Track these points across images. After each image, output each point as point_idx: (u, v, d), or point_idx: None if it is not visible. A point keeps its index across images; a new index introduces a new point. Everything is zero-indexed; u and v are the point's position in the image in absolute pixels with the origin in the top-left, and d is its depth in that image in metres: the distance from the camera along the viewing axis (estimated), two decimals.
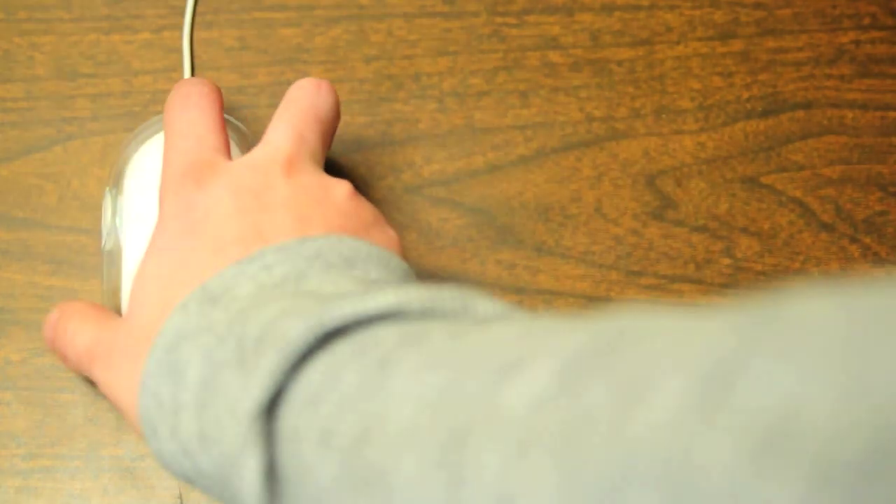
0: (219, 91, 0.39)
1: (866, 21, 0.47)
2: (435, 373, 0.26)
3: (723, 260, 0.43)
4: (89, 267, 0.43)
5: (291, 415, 0.28)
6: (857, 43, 0.46)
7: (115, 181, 0.42)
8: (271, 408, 0.28)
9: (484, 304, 0.29)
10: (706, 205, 0.44)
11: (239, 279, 0.32)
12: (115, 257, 0.41)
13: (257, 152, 0.36)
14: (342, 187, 0.36)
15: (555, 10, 0.47)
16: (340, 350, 0.28)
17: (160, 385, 0.31)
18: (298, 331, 0.28)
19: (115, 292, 0.41)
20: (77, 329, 0.37)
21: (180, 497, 0.40)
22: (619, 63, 0.46)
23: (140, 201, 0.41)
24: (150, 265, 0.34)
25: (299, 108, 0.38)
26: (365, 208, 0.36)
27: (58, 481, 0.41)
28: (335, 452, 0.26)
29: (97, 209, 0.44)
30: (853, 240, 0.43)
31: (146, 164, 0.42)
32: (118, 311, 0.40)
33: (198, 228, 0.34)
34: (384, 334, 0.28)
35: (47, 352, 0.42)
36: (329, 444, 0.26)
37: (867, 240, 0.43)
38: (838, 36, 0.46)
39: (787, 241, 0.44)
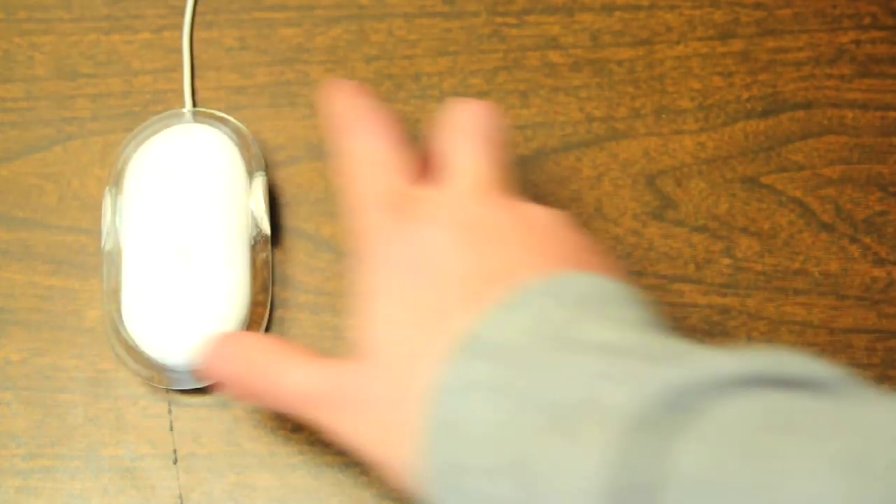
0: (387, 109, 0.37)
1: (866, 21, 0.47)
2: (834, 473, 0.22)
3: (723, 260, 0.43)
4: (89, 267, 0.43)
5: (672, 499, 0.24)
6: (857, 43, 0.46)
7: (115, 181, 0.42)
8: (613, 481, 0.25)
9: (826, 371, 0.26)
10: (706, 205, 0.44)
11: (504, 327, 0.30)
12: (115, 257, 0.41)
13: (457, 182, 0.34)
14: (559, 216, 0.34)
15: (555, 10, 0.47)
16: (695, 427, 0.25)
17: (437, 440, 0.29)
18: (632, 402, 0.25)
19: (115, 292, 0.41)
20: (284, 370, 0.34)
21: (180, 497, 0.40)
22: (619, 63, 0.46)
23: (140, 201, 0.42)
24: (379, 308, 0.32)
25: (480, 134, 0.35)
26: (584, 236, 0.34)
27: (58, 481, 0.41)
28: None
29: (97, 209, 0.44)
30: (853, 240, 0.43)
31: (146, 164, 0.42)
32: (118, 311, 0.40)
33: (419, 267, 0.32)
34: (741, 411, 0.25)
35: (47, 352, 0.42)
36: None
37: (867, 240, 0.43)
38: (838, 36, 0.46)
39: (787, 241, 0.44)
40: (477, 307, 0.30)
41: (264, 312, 0.41)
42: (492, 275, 0.31)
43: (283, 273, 0.43)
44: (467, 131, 0.35)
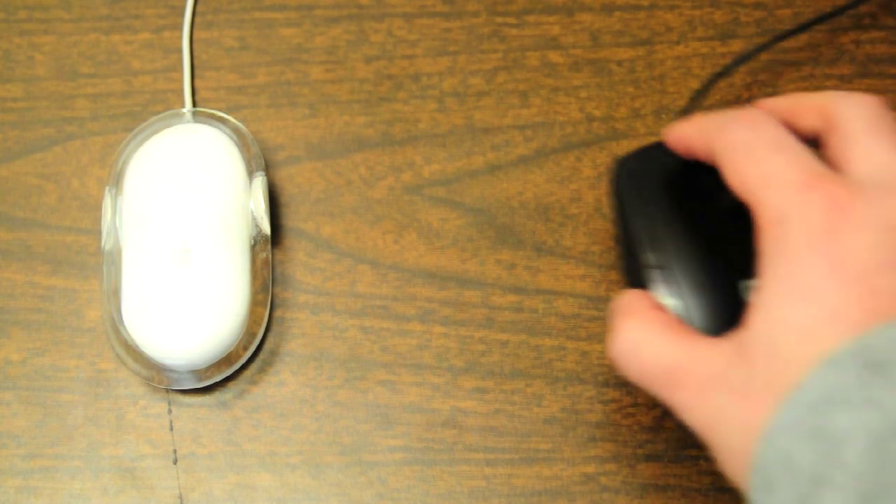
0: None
1: (866, 21, 0.47)
2: None
3: None
4: (89, 267, 0.43)
5: None
6: (857, 43, 0.46)
7: (115, 181, 0.42)
8: None
9: None
10: None
11: (892, 344, 0.27)
12: (115, 257, 0.41)
13: (882, 177, 0.30)
14: None
15: (555, 10, 0.47)
16: None
17: (797, 446, 0.27)
18: None
19: (115, 292, 0.41)
20: (643, 339, 0.32)
21: (180, 497, 0.40)
22: (619, 63, 0.46)
23: (140, 201, 0.42)
24: (788, 310, 0.29)
25: (893, 131, 0.32)
26: None
27: (58, 481, 0.41)
28: None
29: (97, 209, 0.44)
30: None
31: (146, 164, 0.42)
32: (118, 311, 0.40)
33: (847, 271, 0.29)
34: None
35: (47, 352, 0.42)
36: None
37: None
38: (838, 36, 0.46)
39: None
40: (876, 321, 0.28)
41: (264, 312, 0.42)
42: None
43: (283, 273, 0.43)
44: (874, 123, 0.32)
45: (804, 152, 0.31)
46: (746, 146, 0.32)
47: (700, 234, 0.35)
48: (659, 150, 0.37)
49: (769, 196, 0.30)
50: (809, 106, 0.33)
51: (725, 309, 0.34)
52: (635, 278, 0.36)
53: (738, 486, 0.30)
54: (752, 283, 0.32)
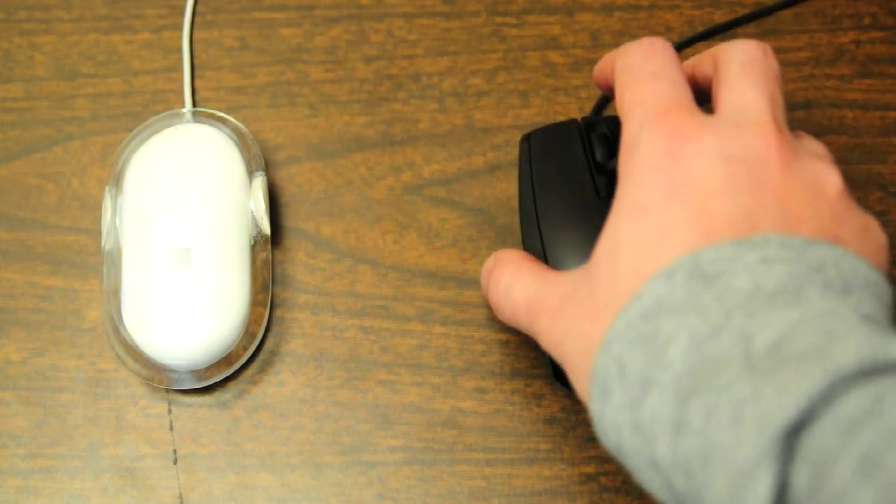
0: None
1: (866, 21, 0.47)
2: None
3: None
4: (89, 267, 0.43)
5: (822, 436, 0.25)
6: (858, 43, 0.46)
7: (115, 181, 0.42)
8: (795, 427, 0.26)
9: None
10: None
11: (734, 265, 0.29)
12: (115, 257, 0.41)
13: (738, 115, 0.32)
14: (834, 181, 0.31)
15: (555, 10, 0.47)
16: (882, 383, 0.26)
17: (628, 351, 0.29)
18: (849, 358, 0.26)
19: (115, 292, 0.41)
20: (513, 281, 0.35)
21: (180, 497, 0.40)
22: None
23: (140, 201, 0.42)
24: (627, 225, 0.31)
25: (762, 74, 0.33)
26: (855, 212, 0.32)
27: (58, 481, 0.41)
28: (876, 484, 0.24)
29: (97, 209, 0.44)
30: None
31: (146, 164, 0.42)
32: (118, 311, 0.41)
33: (681, 193, 0.30)
34: None
35: (47, 352, 0.42)
36: (868, 474, 0.24)
37: None
38: (838, 36, 0.46)
39: None
40: (709, 240, 0.30)
41: (264, 312, 0.42)
42: (744, 221, 0.30)
43: (283, 273, 0.43)
44: (746, 69, 0.33)
45: (679, 85, 0.33)
46: (632, 70, 0.34)
47: (582, 208, 0.39)
48: (564, 129, 0.41)
49: (629, 123, 0.33)
50: (707, 54, 0.36)
51: None
52: (529, 248, 0.39)
53: (586, 405, 0.31)
54: None
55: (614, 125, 0.41)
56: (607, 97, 0.45)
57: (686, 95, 0.33)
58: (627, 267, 0.30)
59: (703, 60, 0.36)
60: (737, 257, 0.29)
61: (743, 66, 0.34)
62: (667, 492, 0.28)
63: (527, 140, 0.41)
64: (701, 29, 0.47)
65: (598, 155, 0.39)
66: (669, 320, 0.29)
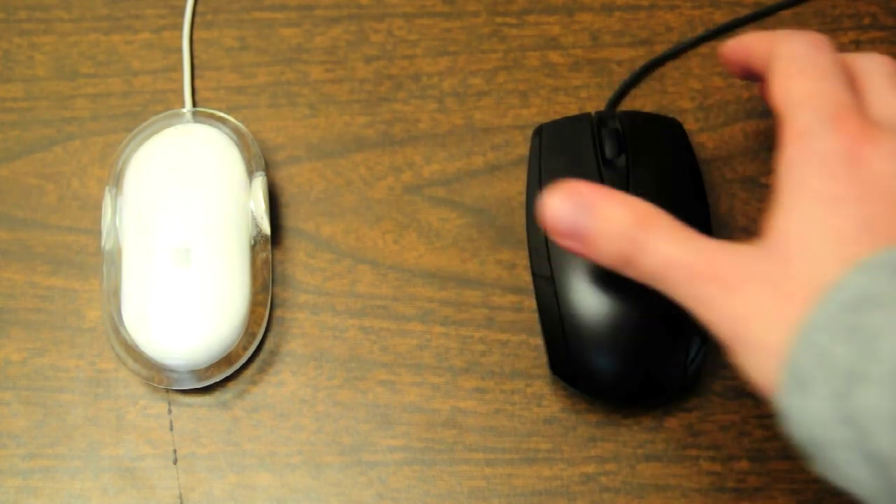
0: None
1: (866, 21, 0.47)
2: None
3: None
4: (89, 267, 0.43)
5: None
6: (858, 43, 0.46)
7: (115, 181, 0.43)
8: None
9: None
10: None
11: None
12: (115, 257, 0.41)
13: None
14: None
15: (555, 10, 0.47)
16: None
17: (832, 343, 0.28)
18: None
19: (115, 292, 0.41)
20: (665, 234, 0.33)
21: (180, 497, 0.40)
22: (619, 63, 0.46)
23: (140, 201, 0.42)
24: (803, 206, 0.31)
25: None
26: None
27: (58, 481, 0.41)
28: None
29: (97, 209, 0.44)
30: None
31: (146, 164, 0.42)
32: (118, 311, 0.40)
33: (874, 190, 0.31)
34: None
35: (47, 352, 0.42)
36: None
37: None
38: (838, 36, 0.46)
39: None
40: None
41: (264, 312, 0.42)
42: None
43: (283, 273, 0.43)
44: (893, 79, 0.35)
45: (847, 88, 0.33)
46: (803, 60, 0.34)
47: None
48: (575, 122, 0.41)
49: (802, 113, 0.33)
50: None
51: (593, 269, 0.38)
52: (532, 241, 0.40)
53: (760, 388, 0.30)
54: None
55: (627, 120, 0.41)
56: (622, 92, 0.45)
57: (855, 101, 0.33)
58: (825, 253, 0.30)
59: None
60: None
61: (890, 78, 0.35)
62: (881, 483, 0.28)
63: (538, 133, 0.41)
64: (701, 29, 0.47)
65: (608, 150, 0.39)
66: (877, 314, 0.28)
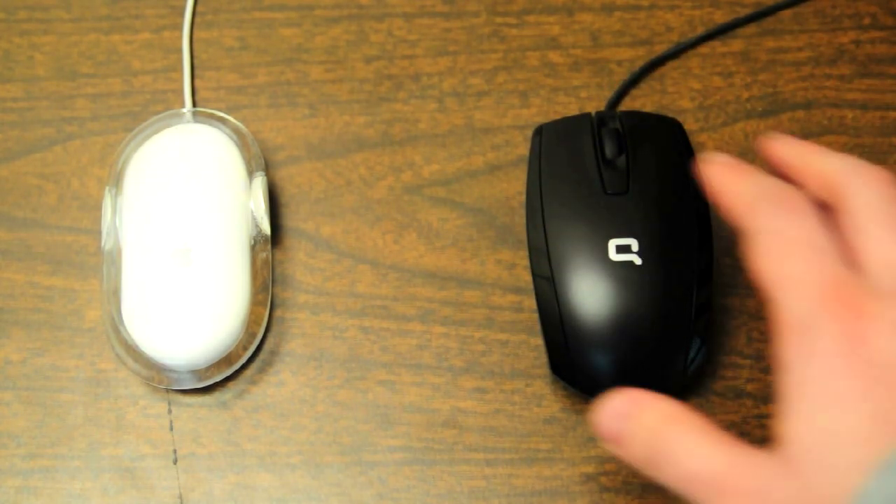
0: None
1: (866, 21, 0.47)
2: None
3: (723, 259, 0.43)
4: (89, 267, 0.43)
5: None
6: (857, 43, 0.46)
7: (115, 181, 0.43)
8: None
9: None
10: None
11: None
12: (115, 257, 0.41)
13: None
14: None
15: (555, 10, 0.47)
16: None
17: None
18: None
19: (115, 292, 0.41)
20: (688, 441, 0.31)
21: (180, 497, 0.40)
22: (619, 63, 0.46)
23: (140, 201, 0.42)
24: (832, 416, 0.29)
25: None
26: None
27: (58, 481, 0.41)
28: None
29: (97, 209, 0.44)
30: None
31: (146, 164, 0.42)
32: (118, 311, 0.40)
33: (881, 378, 0.28)
34: None
35: (47, 352, 0.42)
36: None
37: None
38: (838, 36, 0.46)
39: None
40: None
41: (264, 312, 0.42)
42: None
43: (283, 273, 0.43)
44: (884, 211, 0.31)
45: (834, 254, 0.31)
46: (781, 238, 0.31)
47: (586, 202, 0.40)
48: (576, 122, 0.41)
49: (791, 300, 0.30)
50: (818, 173, 0.33)
51: (593, 269, 0.39)
52: (532, 240, 0.40)
53: None
54: (619, 241, 0.38)
55: (627, 120, 0.41)
56: (622, 92, 0.45)
57: (835, 257, 0.31)
58: (842, 462, 0.28)
59: (809, 178, 0.34)
60: None
61: (881, 210, 0.32)
62: None
63: (539, 133, 0.41)
64: (701, 29, 0.47)
65: (608, 150, 0.39)
66: None
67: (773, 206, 0.32)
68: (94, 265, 0.43)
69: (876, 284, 0.30)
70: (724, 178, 0.34)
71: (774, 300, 0.31)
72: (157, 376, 0.40)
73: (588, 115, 0.41)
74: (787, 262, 0.31)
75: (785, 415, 0.30)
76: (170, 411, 0.41)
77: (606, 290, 0.38)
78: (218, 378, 0.41)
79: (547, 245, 0.39)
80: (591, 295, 0.38)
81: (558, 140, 0.41)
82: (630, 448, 0.33)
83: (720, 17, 0.47)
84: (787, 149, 0.35)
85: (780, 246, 0.31)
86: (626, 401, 0.33)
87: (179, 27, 0.47)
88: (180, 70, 0.46)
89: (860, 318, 0.29)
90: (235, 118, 0.44)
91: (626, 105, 0.45)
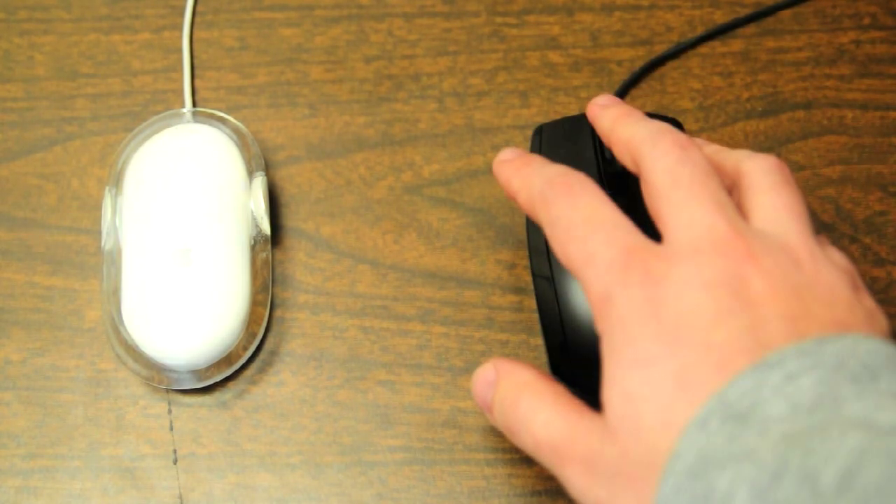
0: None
1: (866, 21, 0.47)
2: None
3: None
4: (89, 267, 0.43)
5: None
6: (857, 43, 0.46)
7: (115, 181, 0.43)
8: None
9: None
10: None
11: (762, 392, 0.27)
12: (115, 257, 0.41)
13: (693, 235, 0.31)
14: (836, 275, 0.30)
15: (555, 10, 0.47)
16: None
17: None
18: None
19: (115, 292, 0.41)
20: (535, 410, 0.32)
21: (180, 497, 0.40)
22: (619, 63, 0.46)
23: (140, 201, 0.42)
24: (635, 382, 0.29)
25: (694, 179, 0.32)
26: (864, 294, 0.31)
27: (58, 481, 0.41)
28: None
29: (97, 209, 0.44)
30: (853, 240, 0.43)
31: (146, 164, 0.42)
32: (118, 311, 0.41)
33: (678, 335, 0.29)
34: None
35: (47, 352, 0.42)
36: None
37: (867, 240, 0.43)
38: (838, 36, 0.46)
39: None
40: (726, 375, 0.28)
41: (264, 312, 0.42)
42: (750, 341, 0.29)
43: (283, 273, 0.43)
44: (679, 181, 0.32)
45: (620, 224, 0.31)
46: (563, 223, 0.32)
47: None
48: (575, 122, 0.40)
49: (591, 276, 0.31)
50: (622, 141, 0.35)
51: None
52: (532, 241, 0.40)
53: None
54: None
55: None
56: (622, 92, 0.45)
57: (627, 227, 0.31)
58: (652, 424, 0.29)
59: (615, 146, 0.35)
60: (761, 383, 0.27)
61: (680, 177, 0.32)
62: None
63: (539, 133, 0.41)
64: (701, 29, 0.47)
65: (608, 150, 0.39)
66: (721, 474, 0.27)
67: (559, 194, 0.33)
68: (94, 265, 0.43)
69: (671, 248, 0.31)
70: (513, 176, 0.35)
71: (581, 281, 0.32)
72: (157, 376, 0.40)
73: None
74: (581, 243, 0.31)
75: (604, 382, 0.30)
76: (170, 411, 0.41)
77: None
78: (218, 378, 0.41)
79: (547, 245, 0.39)
80: None
81: (558, 140, 0.41)
82: (493, 416, 0.34)
83: (720, 17, 0.47)
84: (600, 116, 0.36)
85: (571, 230, 0.32)
86: (491, 368, 0.34)
87: (179, 27, 0.47)
88: (180, 70, 0.46)
89: (655, 283, 0.30)
90: (235, 118, 0.44)
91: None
